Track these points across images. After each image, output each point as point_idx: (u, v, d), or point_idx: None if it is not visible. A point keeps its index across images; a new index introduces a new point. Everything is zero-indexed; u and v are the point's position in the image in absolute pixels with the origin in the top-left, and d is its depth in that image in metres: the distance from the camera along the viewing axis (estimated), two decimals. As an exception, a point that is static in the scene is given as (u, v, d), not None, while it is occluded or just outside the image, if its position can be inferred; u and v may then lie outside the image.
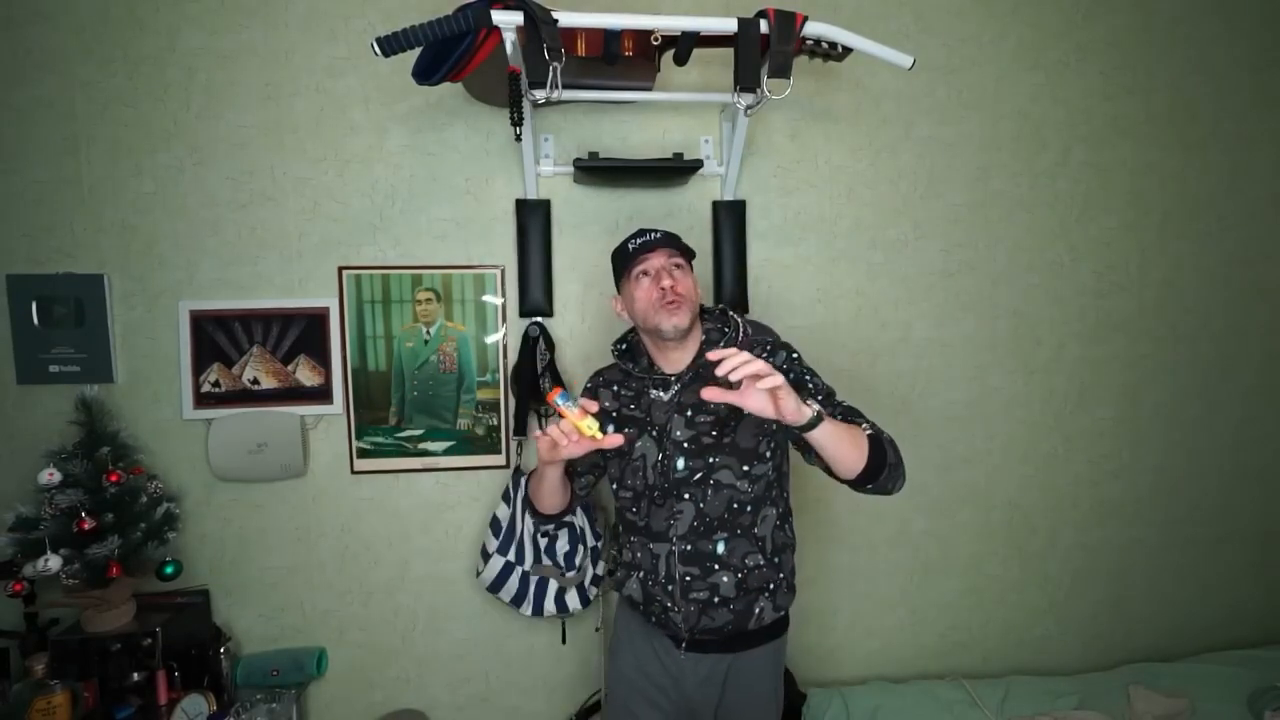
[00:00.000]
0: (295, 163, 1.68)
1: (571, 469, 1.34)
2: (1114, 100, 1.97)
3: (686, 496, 1.23)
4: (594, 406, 1.12)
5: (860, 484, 1.16)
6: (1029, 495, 2.04)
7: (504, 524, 1.67)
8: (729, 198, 1.78)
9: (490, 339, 1.76)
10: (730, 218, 1.79)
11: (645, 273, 1.24)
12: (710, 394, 1.02)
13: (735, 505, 1.23)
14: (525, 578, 1.65)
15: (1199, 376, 2.09)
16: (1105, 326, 2.02)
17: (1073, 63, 1.94)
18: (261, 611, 1.73)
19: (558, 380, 1.72)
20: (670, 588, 1.24)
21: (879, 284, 1.91)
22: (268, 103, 1.66)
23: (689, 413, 1.23)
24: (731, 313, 1.31)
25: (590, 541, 1.68)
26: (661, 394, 1.26)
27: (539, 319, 1.74)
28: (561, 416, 1.11)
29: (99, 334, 1.62)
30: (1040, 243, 1.97)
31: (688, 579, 1.23)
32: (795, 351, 1.27)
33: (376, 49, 1.21)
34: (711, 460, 1.22)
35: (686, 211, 1.81)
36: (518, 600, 1.65)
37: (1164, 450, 2.10)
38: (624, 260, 1.27)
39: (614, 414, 1.31)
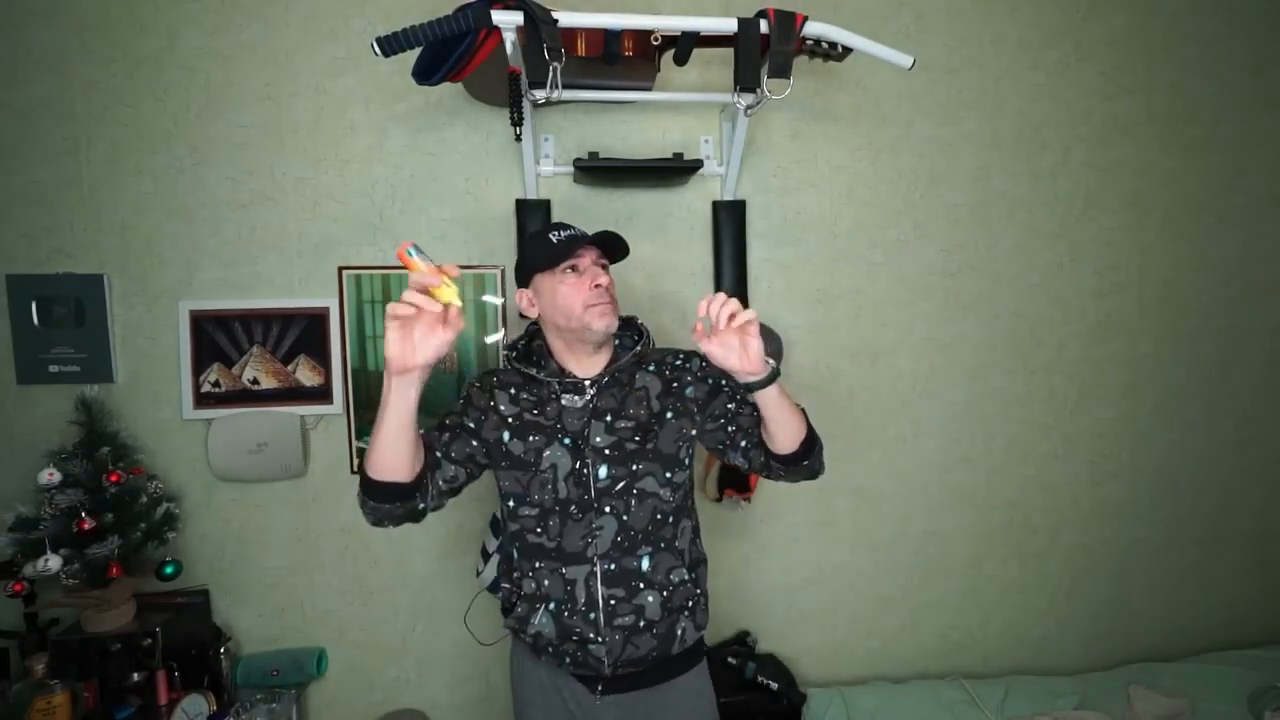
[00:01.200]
0: (295, 163, 1.68)
1: (433, 447, 1.12)
2: (1114, 100, 1.97)
3: (608, 509, 1.12)
4: (454, 271, 0.91)
5: (797, 460, 1.10)
6: (1029, 495, 2.04)
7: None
8: (729, 198, 1.78)
9: (490, 339, 1.76)
10: (730, 218, 1.79)
11: (574, 268, 1.13)
12: (699, 332, 1.03)
13: (659, 516, 1.14)
14: (525, 578, 1.65)
15: (1199, 376, 2.09)
16: (1105, 326, 2.02)
17: (1073, 63, 1.94)
18: (261, 611, 1.73)
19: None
20: (592, 615, 1.11)
21: (879, 284, 1.91)
22: (268, 103, 1.66)
23: (608, 418, 1.14)
24: (640, 321, 1.24)
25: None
26: (575, 399, 1.16)
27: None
28: (409, 271, 0.89)
29: (99, 334, 1.62)
30: (1040, 243, 1.97)
31: (612, 602, 1.11)
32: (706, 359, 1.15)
33: (376, 49, 1.21)
34: (635, 467, 1.13)
35: (686, 211, 1.81)
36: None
37: (1164, 450, 2.10)
38: (547, 252, 1.14)
39: (511, 419, 1.15)
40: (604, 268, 1.17)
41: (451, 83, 1.47)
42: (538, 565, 1.14)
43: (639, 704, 1.15)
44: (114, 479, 1.47)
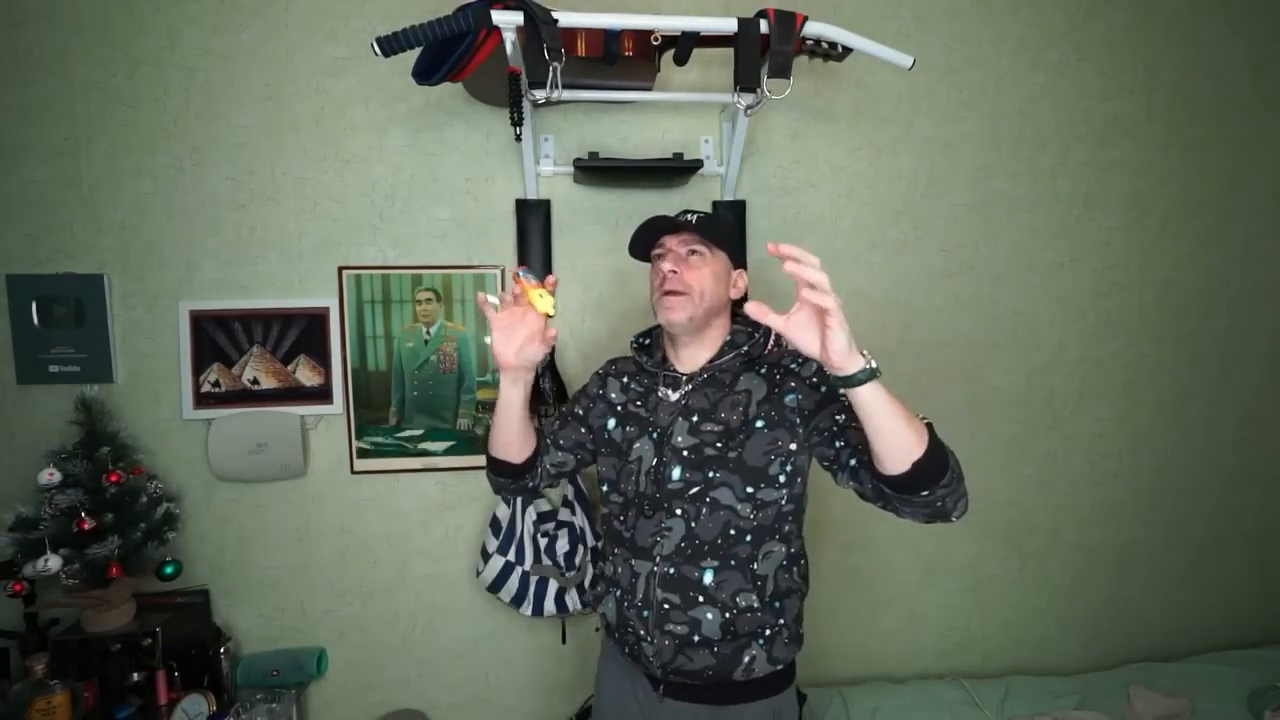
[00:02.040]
0: (295, 163, 1.68)
1: (544, 433, 1.22)
2: (1114, 100, 1.97)
3: (678, 512, 1.07)
4: (552, 281, 1.05)
5: (912, 488, 0.88)
6: (1029, 495, 2.03)
7: (504, 524, 1.68)
8: (729, 198, 1.78)
9: (490, 339, 1.75)
10: (730, 218, 1.78)
11: (660, 255, 1.13)
12: (756, 308, 0.82)
13: (732, 531, 1.06)
14: (525, 578, 1.65)
15: (1199, 376, 2.09)
16: (1105, 326, 2.02)
17: (1073, 63, 1.94)
18: (261, 611, 1.73)
19: (559, 383, 1.72)
20: (646, 614, 1.08)
21: (879, 284, 1.91)
22: (268, 103, 1.66)
23: (694, 418, 1.09)
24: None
25: (590, 541, 1.68)
26: (669, 393, 1.13)
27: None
28: (521, 289, 1.03)
29: (99, 334, 1.62)
30: (1040, 243, 1.97)
31: (665, 606, 1.07)
32: None
33: (376, 49, 1.21)
34: (711, 474, 1.06)
35: (686, 211, 1.81)
36: (518, 600, 1.65)
37: (1164, 450, 2.10)
38: (647, 233, 1.14)
39: (619, 408, 1.18)
40: (695, 253, 1.10)
41: (451, 83, 1.47)
42: (615, 552, 1.17)
43: (701, 714, 1.10)
44: (114, 479, 1.47)
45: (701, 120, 1.80)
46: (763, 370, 1.11)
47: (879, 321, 1.91)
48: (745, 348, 1.12)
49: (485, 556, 1.67)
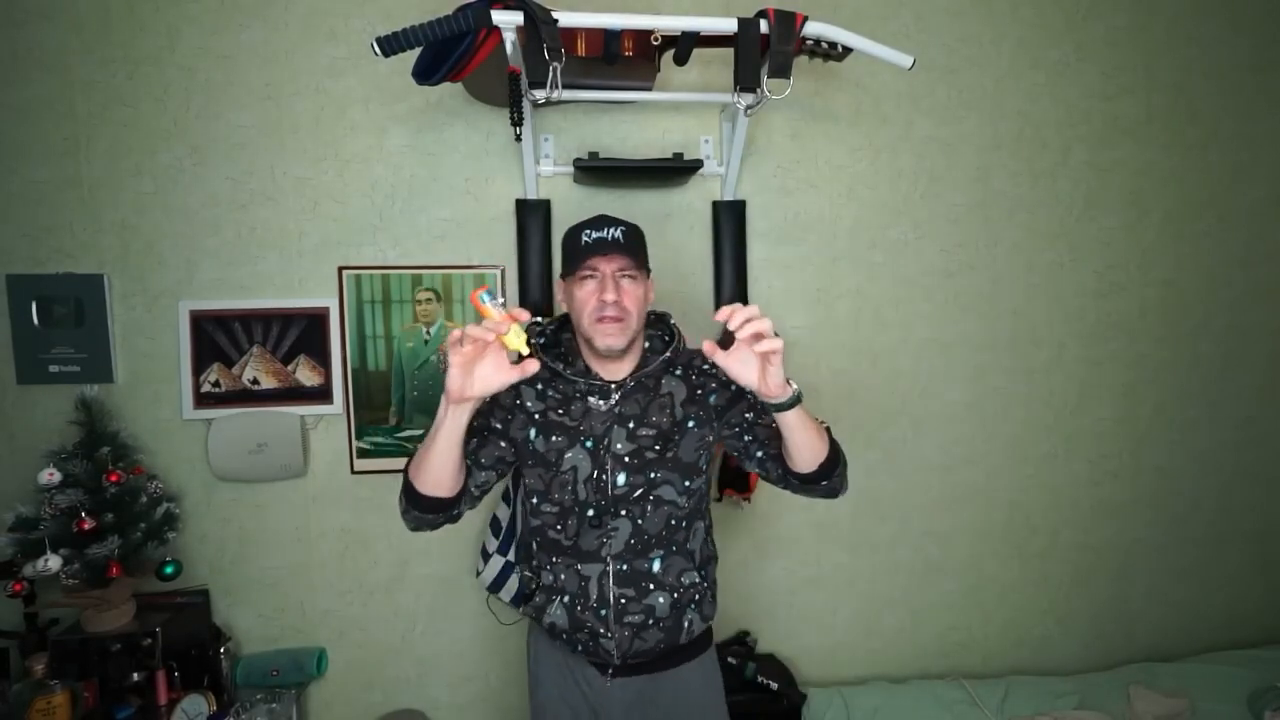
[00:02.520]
0: (295, 163, 1.68)
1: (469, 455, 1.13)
2: (1114, 100, 1.97)
3: (623, 513, 1.13)
4: (524, 316, 0.92)
5: (815, 480, 1.08)
6: (1029, 495, 2.03)
7: (504, 524, 1.67)
8: (729, 198, 1.78)
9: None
10: (730, 218, 1.79)
11: (591, 275, 1.10)
12: (709, 347, 0.95)
13: (673, 522, 1.15)
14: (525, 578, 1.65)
15: (1199, 376, 2.09)
16: (1105, 326, 2.02)
17: (1073, 63, 1.94)
18: (261, 611, 1.73)
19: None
20: (603, 612, 1.13)
21: (879, 284, 1.91)
22: (268, 103, 1.66)
23: (630, 424, 1.14)
24: (672, 322, 1.23)
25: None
26: (600, 402, 1.15)
27: (539, 319, 1.74)
28: (482, 316, 0.91)
29: (99, 334, 1.62)
30: (1040, 243, 1.97)
31: (622, 601, 1.13)
32: None
33: (376, 49, 1.21)
34: (653, 475, 1.13)
35: (686, 211, 1.81)
36: (518, 600, 1.65)
37: (1164, 450, 2.10)
38: (573, 253, 1.12)
39: (538, 416, 1.16)
40: (630, 277, 1.11)
41: (451, 83, 1.47)
42: (555, 560, 1.17)
43: (647, 686, 1.19)
44: (114, 479, 1.47)
45: (701, 120, 1.80)
46: (678, 372, 1.20)
47: (879, 321, 1.91)
48: (668, 353, 1.17)
49: (485, 556, 1.67)
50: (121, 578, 1.46)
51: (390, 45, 1.21)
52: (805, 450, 1.05)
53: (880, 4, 1.85)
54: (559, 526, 1.16)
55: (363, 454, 1.73)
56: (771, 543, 1.91)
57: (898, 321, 1.92)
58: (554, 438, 1.15)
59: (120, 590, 1.49)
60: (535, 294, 1.73)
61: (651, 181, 1.77)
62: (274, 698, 1.61)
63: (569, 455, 1.14)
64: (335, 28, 1.67)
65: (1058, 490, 2.05)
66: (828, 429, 1.09)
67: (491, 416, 1.17)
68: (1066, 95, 1.95)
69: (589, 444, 1.14)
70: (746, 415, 1.16)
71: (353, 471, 1.74)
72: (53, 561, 1.39)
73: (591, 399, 1.15)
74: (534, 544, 1.22)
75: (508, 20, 1.24)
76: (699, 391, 1.18)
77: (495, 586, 1.65)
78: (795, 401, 0.99)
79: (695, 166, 1.65)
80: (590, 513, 1.13)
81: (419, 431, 1.74)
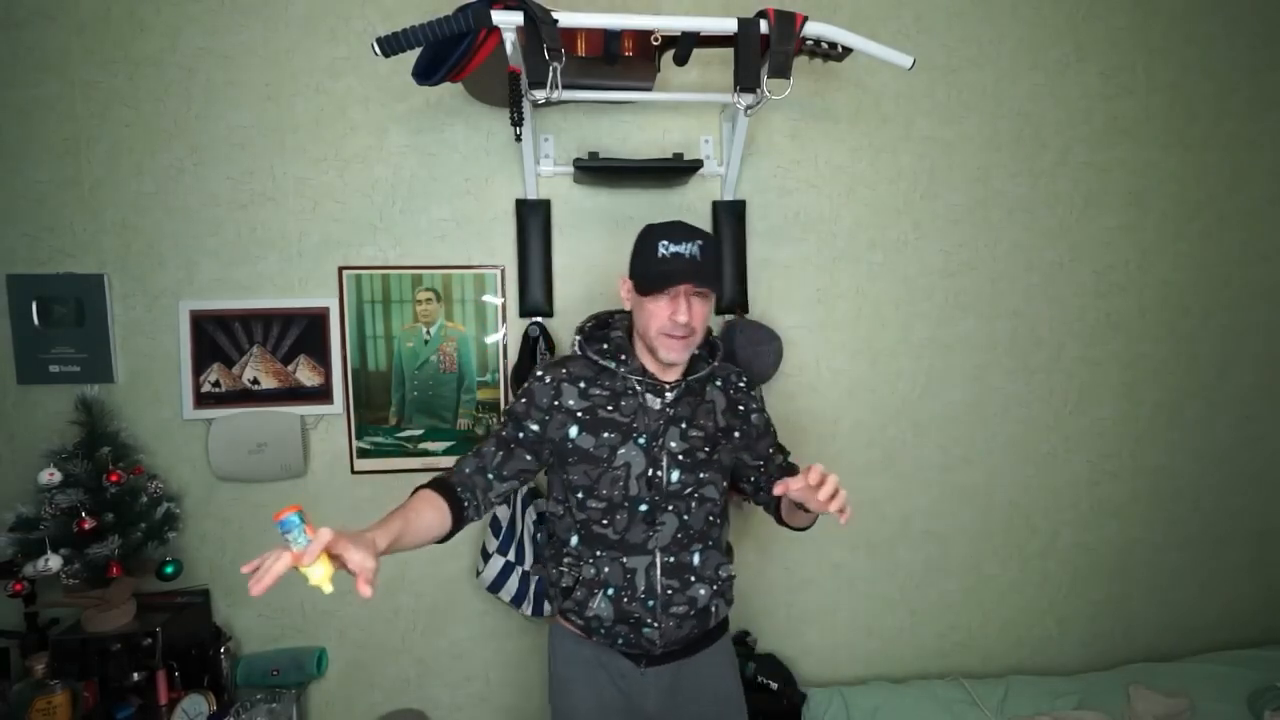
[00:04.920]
0: (295, 163, 1.68)
1: (458, 481, 1.11)
2: (1114, 100, 1.97)
3: (670, 509, 1.19)
4: (327, 538, 0.76)
5: (792, 528, 1.29)
6: (1029, 495, 2.03)
7: (504, 524, 1.67)
8: (729, 198, 1.78)
9: (490, 339, 1.76)
10: (730, 218, 1.79)
11: (667, 294, 1.12)
12: (780, 489, 1.01)
13: (710, 518, 1.24)
14: (525, 578, 1.65)
15: (1199, 376, 2.09)
16: (1105, 326, 2.02)
17: (1073, 63, 1.94)
18: (261, 611, 1.73)
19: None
20: (651, 603, 1.19)
21: (879, 284, 1.91)
22: (268, 103, 1.66)
23: (683, 425, 1.20)
24: (715, 335, 1.31)
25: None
26: (655, 400, 1.19)
27: (539, 319, 1.74)
28: (286, 551, 0.75)
29: (99, 334, 1.62)
30: (1040, 243, 1.97)
31: (669, 592, 1.19)
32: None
33: (376, 49, 1.21)
34: (701, 475, 1.21)
35: (686, 211, 1.81)
36: (518, 600, 1.65)
37: (1164, 450, 2.10)
38: (649, 264, 1.12)
39: (581, 414, 1.17)
40: (701, 296, 1.14)
41: (451, 83, 1.47)
42: (599, 553, 1.20)
43: (677, 672, 1.26)
44: (114, 479, 1.48)
45: (701, 120, 1.80)
46: (718, 383, 1.28)
47: (879, 321, 1.91)
48: (715, 364, 1.24)
49: (485, 556, 1.67)
50: (122, 577, 1.47)
51: (390, 45, 1.21)
52: (803, 521, 1.23)
53: (880, 4, 1.85)
54: (605, 521, 1.19)
55: (363, 454, 1.74)
56: (771, 543, 1.91)
57: (898, 321, 1.92)
58: (604, 434, 1.17)
59: (120, 590, 1.49)
60: (535, 293, 1.73)
61: (651, 181, 1.77)
62: (274, 697, 1.61)
63: (621, 451, 1.17)
64: (335, 28, 1.67)
65: (1058, 490, 2.05)
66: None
67: (527, 419, 1.17)
68: (1066, 95, 1.95)
69: (641, 440, 1.17)
70: (769, 450, 1.31)
71: (353, 471, 1.74)
72: (53, 561, 1.40)
73: (649, 396, 1.19)
74: (574, 539, 1.22)
75: (508, 20, 1.24)
76: (740, 407, 1.28)
77: (495, 587, 1.66)
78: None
79: (695, 166, 1.65)
80: (643, 508, 1.18)
81: (419, 431, 1.74)
